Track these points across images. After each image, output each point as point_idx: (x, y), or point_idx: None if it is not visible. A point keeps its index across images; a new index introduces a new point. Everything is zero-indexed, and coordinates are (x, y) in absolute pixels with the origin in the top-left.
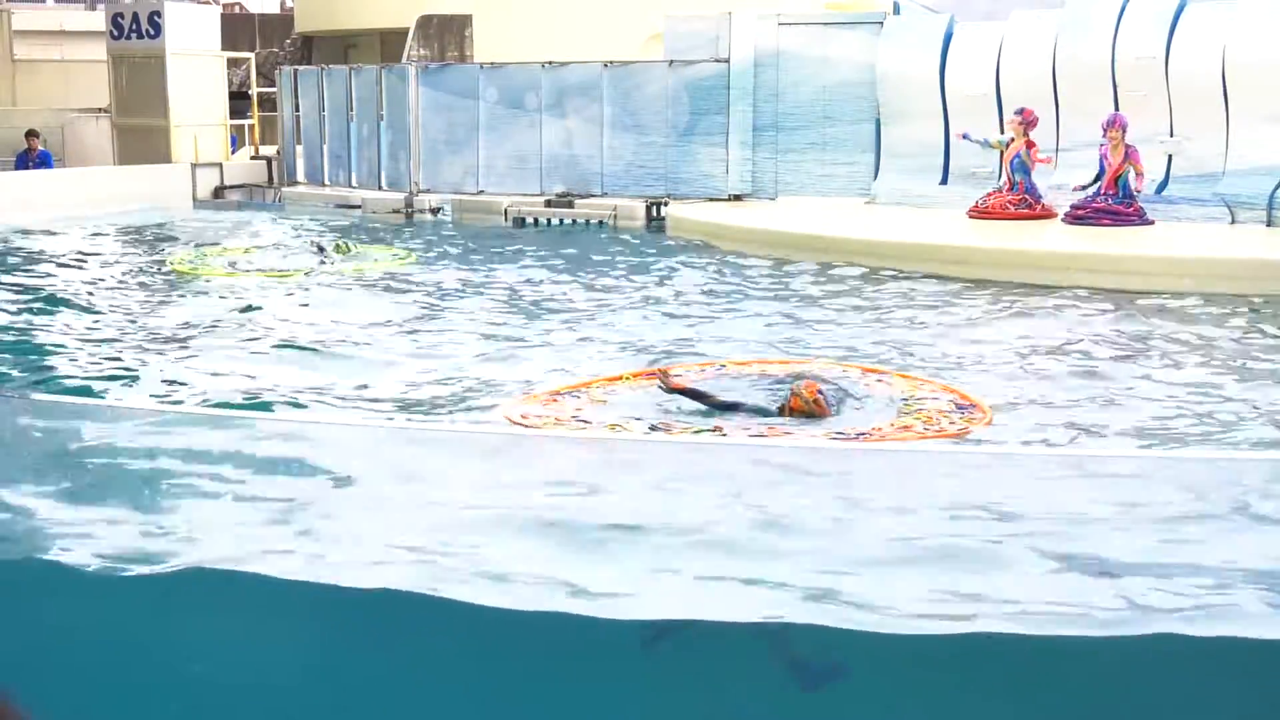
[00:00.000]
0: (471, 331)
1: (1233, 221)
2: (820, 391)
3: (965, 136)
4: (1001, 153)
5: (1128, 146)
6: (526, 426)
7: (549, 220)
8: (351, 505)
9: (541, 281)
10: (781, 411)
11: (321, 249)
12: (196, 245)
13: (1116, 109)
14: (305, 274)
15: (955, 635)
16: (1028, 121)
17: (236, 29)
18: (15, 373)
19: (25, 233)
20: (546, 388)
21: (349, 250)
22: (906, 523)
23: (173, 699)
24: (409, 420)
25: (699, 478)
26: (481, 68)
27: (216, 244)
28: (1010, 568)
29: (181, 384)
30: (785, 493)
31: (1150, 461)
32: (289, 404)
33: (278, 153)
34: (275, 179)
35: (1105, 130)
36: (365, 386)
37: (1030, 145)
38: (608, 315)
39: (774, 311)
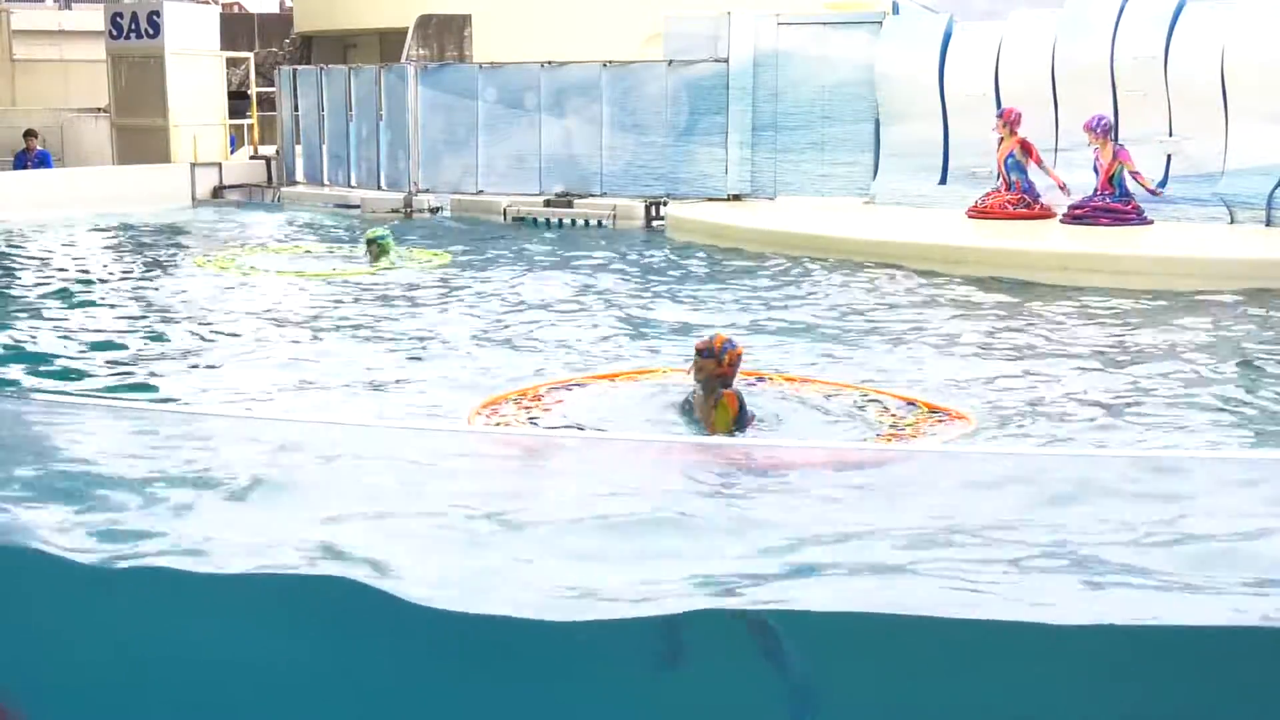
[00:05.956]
0: (467, 329)
1: (1232, 221)
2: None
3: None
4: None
5: (1116, 146)
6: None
7: (548, 220)
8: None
9: (538, 281)
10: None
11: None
12: (216, 244)
13: (1115, 109)
14: (334, 271)
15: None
16: (1010, 121)
17: (236, 29)
18: (16, 373)
19: (24, 233)
20: (534, 384)
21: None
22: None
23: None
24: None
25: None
26: (480, 68)
27: (240, 243)
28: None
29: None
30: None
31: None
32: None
33: (277, 152)
34: (274, 179)
35: (1086, 133)
36: (351, 384)
37: (1027, 146)
38: (603, 314)
39: (771, 312)
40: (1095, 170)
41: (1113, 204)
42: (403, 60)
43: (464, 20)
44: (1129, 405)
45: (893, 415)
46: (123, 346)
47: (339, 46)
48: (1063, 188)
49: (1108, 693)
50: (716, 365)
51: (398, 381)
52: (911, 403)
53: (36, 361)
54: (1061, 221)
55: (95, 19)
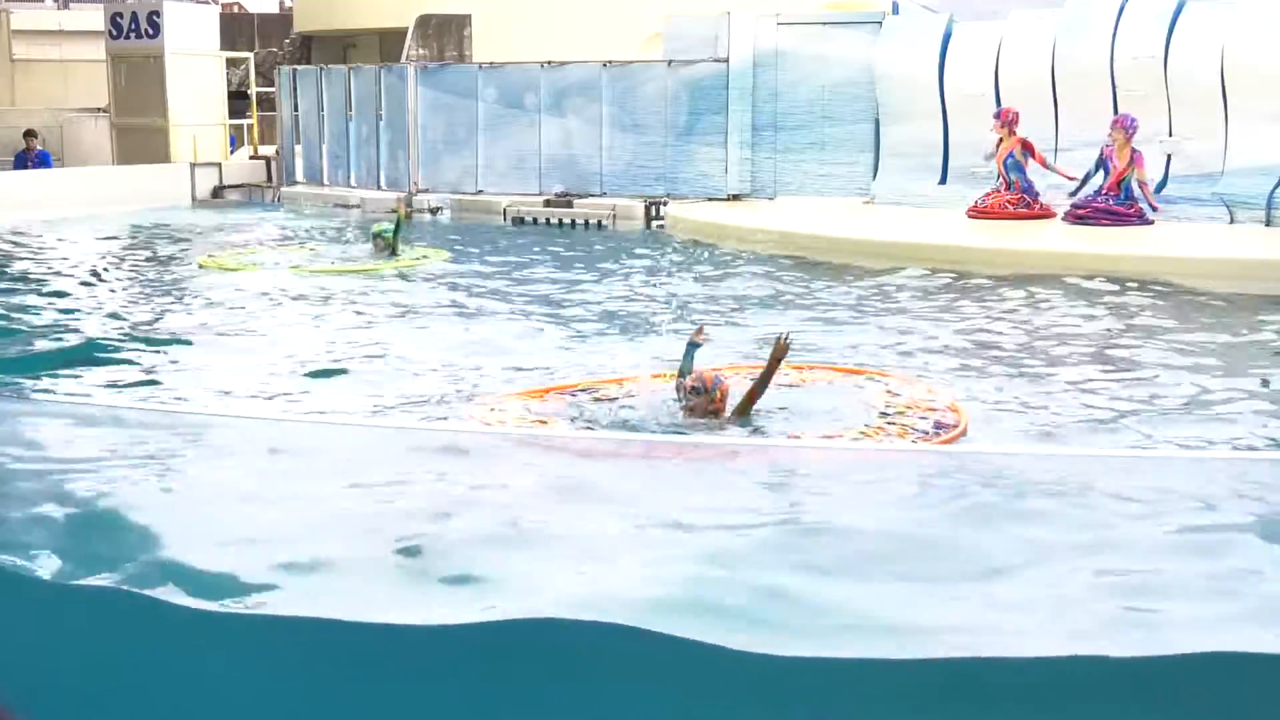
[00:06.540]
0: (466, 328)
1: (1232, 221)
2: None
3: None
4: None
5: (1134, 151)
6: (484, 424)
7: (548, 220)
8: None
9: (537, 281)
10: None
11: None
12: (217, 244)
13: (1115, 109)
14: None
15: None
16: (1009, 121)
17: (236, 29)
18: (14, 374)
19: (23, 233)
20: (529, 386)
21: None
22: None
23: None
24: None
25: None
26: (480, 67)
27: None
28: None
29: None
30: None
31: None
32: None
33: (276, 152)
34: (274, 179)
35: (1110, 129)
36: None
37: (1028, 146)
38: (603, 315)
39: (772, 311)
40: (1105, 169)
41: (1115, 206)
42: (403, 60)
43: (464, 20)
44: (1124, 404)
45: (890, 394)
46: (124, 347)
47: (339, 46)
48: (1072, 180)
49: None
50: (710, 401)
51: (398, 382)
52: (910, 384)
53: (37, 361)
54: (1063, 221)
55: (95, 19)
